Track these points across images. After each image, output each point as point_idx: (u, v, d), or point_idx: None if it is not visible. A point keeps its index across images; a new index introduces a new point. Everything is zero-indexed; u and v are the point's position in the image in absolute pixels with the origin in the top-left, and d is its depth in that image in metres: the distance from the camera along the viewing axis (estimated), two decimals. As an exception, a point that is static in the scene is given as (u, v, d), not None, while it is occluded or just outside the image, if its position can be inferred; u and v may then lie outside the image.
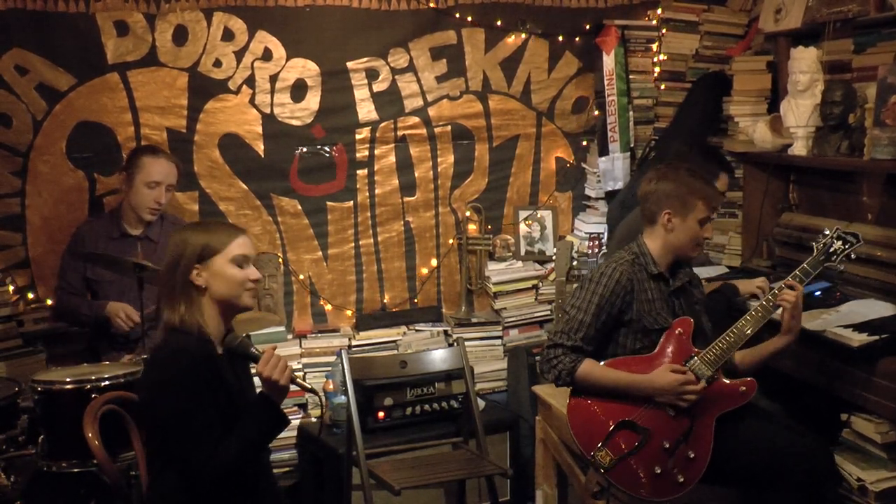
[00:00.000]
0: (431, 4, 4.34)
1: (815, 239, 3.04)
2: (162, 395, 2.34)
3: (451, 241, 4.59)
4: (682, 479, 2.78)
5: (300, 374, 4.19)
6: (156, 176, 3.71)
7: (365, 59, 4.29)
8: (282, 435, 2.59)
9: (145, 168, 3.70)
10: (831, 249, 2.95)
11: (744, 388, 2.87)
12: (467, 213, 4.57)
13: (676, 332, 2.92)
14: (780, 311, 2.90)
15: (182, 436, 2.31)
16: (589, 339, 2.89)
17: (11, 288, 3.85)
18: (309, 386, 2.56)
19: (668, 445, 2.80)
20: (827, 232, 3.00)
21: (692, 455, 2.80)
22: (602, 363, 2.89)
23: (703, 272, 3.82)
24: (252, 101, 4.17)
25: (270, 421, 2.43)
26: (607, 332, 2.93)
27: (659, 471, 2.78)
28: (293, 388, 2.49)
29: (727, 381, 2.89)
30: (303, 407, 4.15)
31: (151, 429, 2.48)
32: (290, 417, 3.94)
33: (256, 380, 2.53)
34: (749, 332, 2.88)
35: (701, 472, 2.79)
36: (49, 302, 3.93)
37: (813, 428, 2.97)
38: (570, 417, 2.90)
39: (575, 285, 4.31)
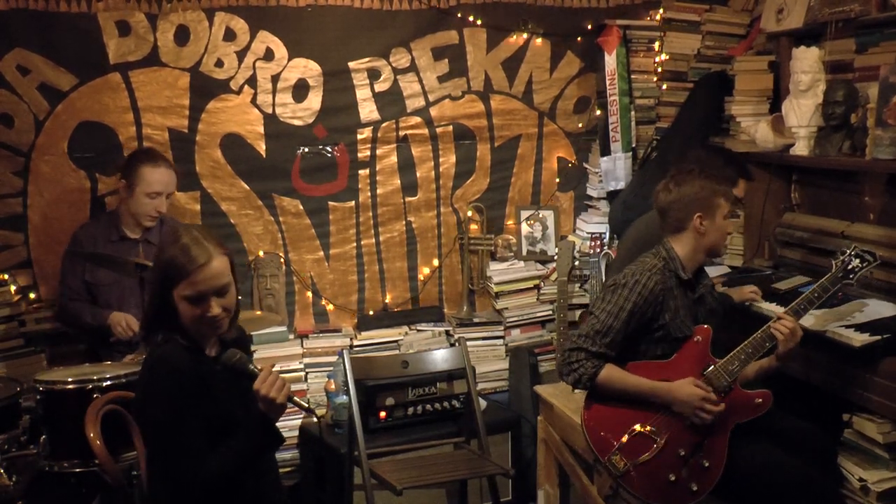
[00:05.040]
0: (433, 4, 4.34)
1: (816, 239, 3.04)
2: (147, 405, 2.32)
3: (452, 241, 4.59)
4: (695, 488, 2.77)
5: (301, 373, 4.21)
6: (157, 186, 3.69)
7: (367, 59, 4.29)
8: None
9: (146, 179, 3.67)
10: (849, 267, 2.95)
11: (759, 401, 2.85)
12: (469, 213, 4.57)
13: (695, 339, 2.90)
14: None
15: (167, 447, 2.28)
16: (615, 344, 2.84)
17: (13, 288, 3.86)
18: (307, 405, 2.47)
19: (683, 453, 2.79)
20: (846, 250, 3.00)
21: (707, 464, 2.78)
22: (622, 368, 2.87)
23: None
24: (254, 101, 4.18)
25: (265, 438, 2.37)
26: (631, 338, 2.89)
27: (673, 478, 2.77)
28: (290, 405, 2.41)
29: (743, 392, 2.87)
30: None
31: (143, 434, 2.47)
32: (290, 418, 4.01)
33: None
34: (768, 344, 2.86)
35: (714, 482, 2.78)
36: (48, 301, 3.93)
37: (815, 428, 2.97)
38: (586, 421, 2.88)
39: (577, 285, 4.35)
